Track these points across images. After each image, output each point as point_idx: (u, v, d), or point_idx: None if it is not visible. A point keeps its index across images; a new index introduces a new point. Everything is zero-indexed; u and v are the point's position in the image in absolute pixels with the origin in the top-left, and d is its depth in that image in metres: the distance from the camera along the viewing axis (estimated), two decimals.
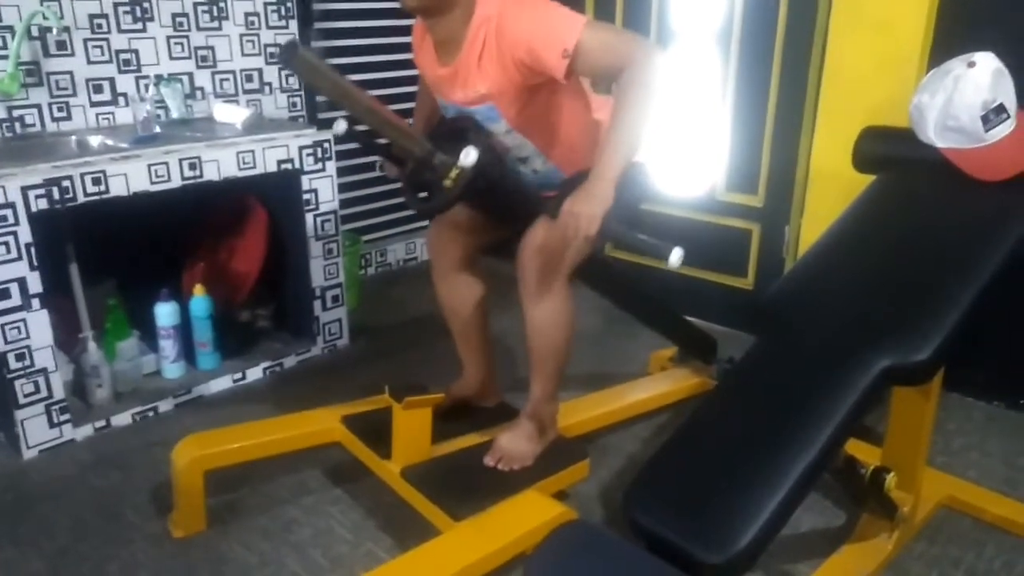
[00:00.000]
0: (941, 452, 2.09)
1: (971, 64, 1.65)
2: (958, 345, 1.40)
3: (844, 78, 2.34)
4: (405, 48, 1.79)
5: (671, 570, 1.14)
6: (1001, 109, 1.63)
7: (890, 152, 1.84)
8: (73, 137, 2.34)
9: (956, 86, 1.65)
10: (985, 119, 1.63)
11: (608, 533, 1.37)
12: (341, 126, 1.74)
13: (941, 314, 1.40)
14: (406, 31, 1.75)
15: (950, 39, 2.13)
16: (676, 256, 1.36)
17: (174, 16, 2.55)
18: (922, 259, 1.54)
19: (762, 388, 1.46)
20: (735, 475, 1.27)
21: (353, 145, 3.17)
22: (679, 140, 2.85)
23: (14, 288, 1.95)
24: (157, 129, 2.31)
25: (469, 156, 1.50)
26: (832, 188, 2.32)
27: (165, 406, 2.32)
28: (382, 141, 1.74)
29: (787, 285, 1.63)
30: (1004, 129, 1.64)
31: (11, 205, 1.90)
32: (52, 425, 2.09)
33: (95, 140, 2.32)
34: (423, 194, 1.70)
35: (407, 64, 1.84)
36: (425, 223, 3.48)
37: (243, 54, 2.74)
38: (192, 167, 2.19)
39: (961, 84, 1.64)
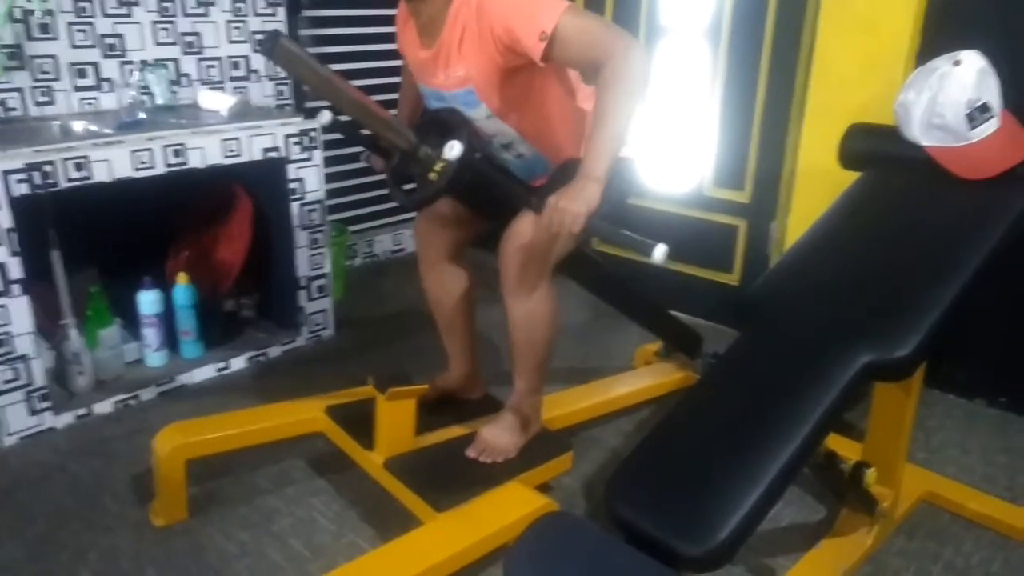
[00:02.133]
0: (922, 448, 2.11)
1: (956, 62, 1.65)
2: (939, 342, 1.41)
3: (832, 76, 2.34)
4: (394, 37, 1.78)
5: (650, 562, 1.15)
6: (985, 108, 1.64)
7: (875, 149, 1.85)
8: (56, 122, 2.30)
9: (941, 84, 1.65)
10: (970, 117, 1.63)
11: (588, 525, 1.37)
12: (325, 117, 1.73)
13: (923, 311, 1.41)
14: (394, 20, 1.74)
15: (937, 38, 2.14)
16: (660, 252, 1.34)
17: (160, 1, 2.52)
18: (905, 256, 1.55)
19: (744, 383, 1.46)
20: (716, 469, 1.28)
21: (341, 134, 3.16)
22: (667, 135, 2.85)
23: None
24: (141, 115, 2.29)
25: (454, 150, 1.48)
26: (819, 185, 2.33)
27: (147, 395, 2.30)
28: (367, 132, 1.72)
29: (770, 280, 1.64)
30: (988, 128, 1.65)
31: None
32: (32, 413, 2.07)
33: (78, 125, 2.28)
34: (409, 186, 1.69)
35: (396, 53, 1.83)
36: (413, 215, 3.47)
37: (230, 41, 2.72)
38: (176, 154, 2.17)
39: (946, 82, 1.65)
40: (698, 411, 1.45)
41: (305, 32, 3.00)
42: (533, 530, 1.27)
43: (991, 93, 1.66)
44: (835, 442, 1.87)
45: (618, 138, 1.44)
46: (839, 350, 1.38)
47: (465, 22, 1.49)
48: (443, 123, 1.60)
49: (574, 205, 1.40)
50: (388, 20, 1.71)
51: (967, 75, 1.64)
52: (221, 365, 2.47)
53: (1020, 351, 2.28)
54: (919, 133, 1.70)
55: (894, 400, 1.67)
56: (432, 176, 1.57)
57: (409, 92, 1.89)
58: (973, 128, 1.64)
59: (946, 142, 1.67)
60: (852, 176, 1.86)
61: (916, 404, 1.71)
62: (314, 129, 2.47)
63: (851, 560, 1.64)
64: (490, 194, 1.66)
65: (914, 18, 2.17)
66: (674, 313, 2.37)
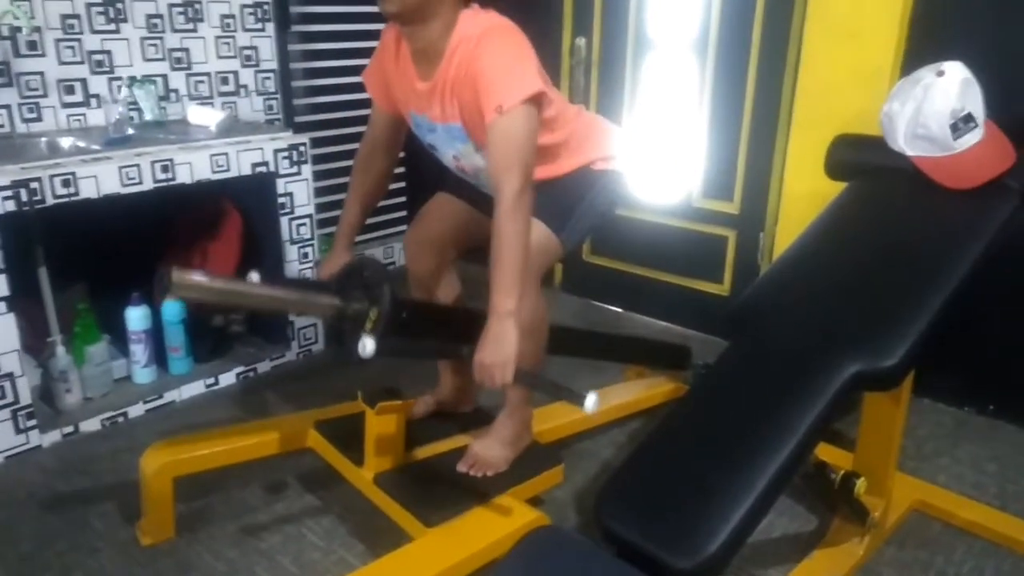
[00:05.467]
0: (912, 457, 2.11)
1: (940, 73, 1.67)
2: (927, 350, 1.42)
3: (818, 87, 2.36)
4: None
5: None
6: (969, 118, 1.65)
7: (861, 160, 1.86)
8: (43, 138, 2.31)
9: (925, 95, 1.67)
10: (954, 127, 1.65)
11: (578, 538, 1.36)
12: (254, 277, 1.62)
13: (910, 320, 1.42)
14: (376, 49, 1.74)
15: (922, 49, 2.16)
16: (591, 402, 1.34)
17: (148, 17, 2.53)
18: (892, 265, 1.56)
19: (733, 393, 1.46)
20: (705, 480, 1.27)
21: (330, 149, 3.16)
22: (656, 148, 2.86)
23: None
24: (130, 131, 2.29)
25: (367, 348, 1.43)
26: (806, 195, 2.34)
27: (135, 411, 2.28)
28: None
29: (758, 291, 1.64)
30: (972, 138, 1.66)
31: None
32: (18, 431, 2.05)
33: (66, 142, 2.29)
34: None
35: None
36: (404, 227, 3.46)
37: (219, 56, 2.72)
38: (164, 169, 2.17)
39: (930, 93, 1.66)
40: (687, 423, 1.45)
41: (294, 47, 3.01)
42: (523, 544, 1.26)
43: (975, 103, 1.67)
44: (826, 452, 1.87)
45: (521, 269, 1.47)
46: (828, 360, 1.39)
47: (461, 58, 1.49)
48: (365, 277, 1.56)
49: (496, 355, 1.43)
50: (377, 35, 1.71)
51: (951, 85, 1.66)
52: (210, 381, 2.45)
53: (1008, 359, 2.29)
54: (904, 143, 1.71)
55: (884, 409, 1.68)
56: (368, 326, 1.51)
57: (365, 175, 1.82)
58: (957, 138, 1.66)
59: (931, 152, 1.69)
60: (839, 186, 1.87)
61: (906, 413, 1.71)
62: (303, 144, 2.47)
63: (843, 570, 1.63)
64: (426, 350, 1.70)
65: (899, 29, 2.19)
66: (664, 324, 2.37)
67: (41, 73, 2.35)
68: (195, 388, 2.42)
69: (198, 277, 1.44)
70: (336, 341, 1.64)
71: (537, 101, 1.48)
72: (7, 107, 2.30)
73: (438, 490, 1.70)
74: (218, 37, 2.71)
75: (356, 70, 3.18)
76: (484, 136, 1.54)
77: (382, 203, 1.94)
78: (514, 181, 1.45)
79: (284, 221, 2.49)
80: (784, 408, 1.34)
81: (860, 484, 1.61)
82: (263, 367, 2.58)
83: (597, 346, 2.24)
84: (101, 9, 2.42)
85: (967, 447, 2.19)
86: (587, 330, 2.14)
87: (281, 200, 2.47)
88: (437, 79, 1.54)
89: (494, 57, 1.47)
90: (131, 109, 2.47)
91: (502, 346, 1.44)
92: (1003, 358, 2.30)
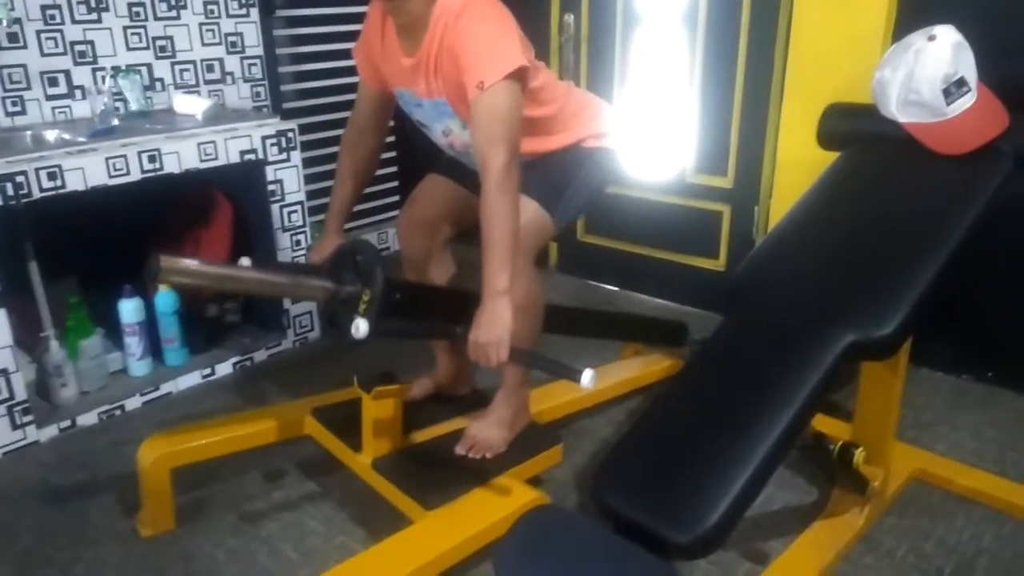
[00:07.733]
0: (910, 426, 2.11)
1: (931, 37, 1.65)
2: (923, 318, 1.41)
3: (810, 56, 2.34)
4: None
5: (639, 551, 1.14)
6: (962, 82, 1.63)
7: (854, 128, 1.85)
8: (28, 132, 2.28)
9: (917, 60, 1.65)
10: (946, 92, 1.63)
11: (576, 516, 1.36)
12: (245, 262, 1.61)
13: (905, 288, 1.41)
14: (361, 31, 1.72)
15: (913, 14, 2.13)
16: (587, 377, 1.33)
17: (130, 6, 2.49)
18: (886, 234, 1.55)
19: (729, 367, 1.45)
20: (702, 454, 1.27)
21: (319, 135, 3.13)
22: (648, 123, 2.84)
23: None
24: (115, 122, 2.26)
25: (360, 330, 1.42)
26: (800, 167, 2.32)
27: (132, 404, 2.28)
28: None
29: (753, 264, 1.63)
30: (965, 102, 1.64)
31: None
32: (15, 427, 2.05)
33: (51, 134, 2.26)
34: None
35: None
36: (397, 212, 3.44)
37: (203, 44, 2.69)
38: (152, 160, 2.15)
39: (922, 58, 1.64)
40: (684, 398, 1.44)
41: (280, 33, 2.97)
42: (522, 524, 1.26)
43: (967, 67, 1.65)
44: (823, 423, 1.87)
45: (511, 246, 1.46)
46: (823, 330, 1.38)
47: (443, 31, 1.48)
48: (357, 260, 1.55)
49: (490, 334, 1.43)
50: (363, 19, 1.69)
51: (942, 50, 1.64)
52: (206, 371, 2.44)
53: (1005, 326, 2.29)
54: (896, 110, 1.70)
55: (881, 379, 1.67)
56: (361, 309, 1.51)
57: (348, 165, 1.81)
58: (950, 103, 1.64)
59: (923, 118, 1.67)
60: (833, 156, 1.85)
61: (903, 382, 1.71)
62: (292, 130, 2.45)
63: (844, 540, 1.63)
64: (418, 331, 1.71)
65: None
66: (660, 301, 2.36)
67: (23, 65, 2.32)
68: (191, 379, 2.41)
69: (187, 262, 1.42)
70: (331, 325, 1.63)
71: (520, 76, 1.46)
72: None
73: (437, 473, 1.70)
74: (202, 24, 2.67)
75: (343, 54, 3.17)
76: (469, 112, 1.52)
77: (374, 188, 1.92)
78: (499, 157, 1.43)
79: (275, 208, 2.47)
80: (780, 380, 1.33)
81: (859, 454, 1.61)
82: (259, 356, 2.57)
83: (593, 324, 2.24)
84: None
85: (966, 415, 2.19)
86: (583, 308, 2.13)
87: (271, 187, 2.44)
88: (422, 54, 1.53)
89: (474, 33, 1.45)
90: (116, 100, 2.44)
91: (496, 325, 1.43)
92: (1001, 325, 2.29)
